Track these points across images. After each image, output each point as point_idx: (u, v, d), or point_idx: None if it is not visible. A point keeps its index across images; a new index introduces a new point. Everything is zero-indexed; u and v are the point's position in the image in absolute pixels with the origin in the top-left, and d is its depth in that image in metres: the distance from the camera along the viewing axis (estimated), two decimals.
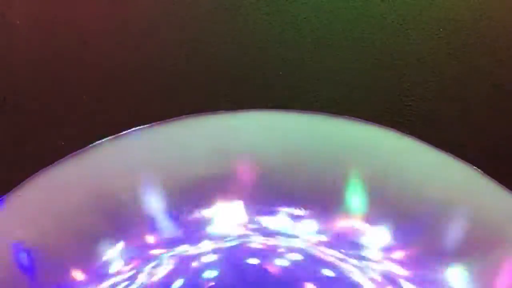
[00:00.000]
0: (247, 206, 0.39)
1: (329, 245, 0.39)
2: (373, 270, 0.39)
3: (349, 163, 0.40)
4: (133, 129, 0.41)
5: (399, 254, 0.38)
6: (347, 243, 0.39)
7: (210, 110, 0.42)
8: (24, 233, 0.36)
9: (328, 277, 0.39)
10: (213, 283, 0.39)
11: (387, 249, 0.38)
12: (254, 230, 0.39)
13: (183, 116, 0.41)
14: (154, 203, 0.38)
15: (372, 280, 0.39)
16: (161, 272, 0.38)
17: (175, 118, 0.41)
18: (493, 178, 0.39)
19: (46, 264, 0.36)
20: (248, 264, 0.39)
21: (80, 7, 0.63)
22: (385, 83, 0.57)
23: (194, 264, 0.39)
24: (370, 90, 0.57)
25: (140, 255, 0.38)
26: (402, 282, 0.38)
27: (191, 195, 0.39)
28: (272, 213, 0.39)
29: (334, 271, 0.39)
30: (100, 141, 0.40)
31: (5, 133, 0.51)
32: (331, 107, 0.53)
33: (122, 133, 0.40)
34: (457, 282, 0.37)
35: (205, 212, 0.39)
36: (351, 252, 0.39)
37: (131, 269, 0.38)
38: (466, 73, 0.58)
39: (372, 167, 0.40)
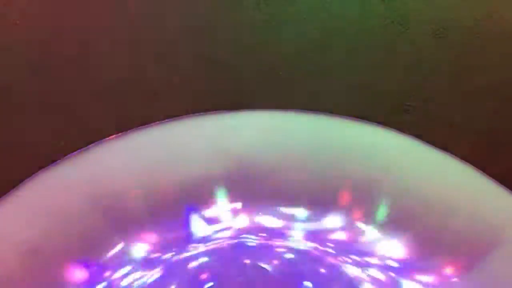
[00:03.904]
0: (246, 205, 0.39)
1: (329, 244, 0.39)
2: (372, 268, 0.39)
3: (349, 163, 0.40)
4: (133, 129, 0.41)
5: (397, 253, 0.38)
6: (347, 243, 0.39)
7: (210, 110, 0.42)
8: (24, 233, 0.36)
9: (326, 276, 0.39)
10: (212, 283, 0.39)
11: (386, 247, 0.38)
12: (253, 229, 0.39)
13: (183, 116, 0.41)
14: (154, 203, 0.38)
15: (371, 278, 0.39)
16: (161, 271, 0.38)
17: (175, 118, 0.41)
18: (493, 178, 0.39)
19: (46, 264, 0.36)
20: (247, 263, 0.39)
21: (80, 7, 0.63)
22: (385, 83, 0.57)
23: (193, 263, 0.39)
24: (370, 90, 0.57)
25: (139, 255, 0.38)
26: (400, 279, 0.38)
27: (191, 194, 0.39)
28: (271, 212, 0.39)
29: (333, 270, 0.39)
30: (100, 141, 0.40)
31: (5, 132, 0.51)
32: (331, 107, 0.53)
33: (122, 133, 0.40)
34: (457, 281, 0.37)
35: (205, 212, 0.39)
36: (350, 250, 0.39)
37: (131, 269, 0.38)
38: (466, 73, 0.58)
39: (372, 167, 0.40)
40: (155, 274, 0.38)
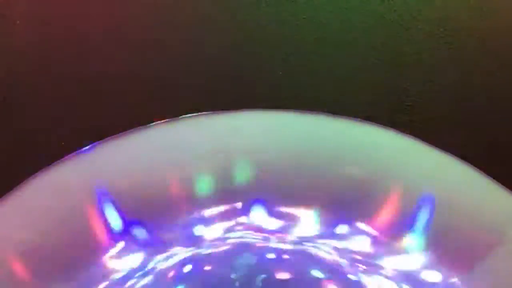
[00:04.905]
0: (246, 206, 0.39)
1: (330, 245, 0.39)
2: (374, 270, 0.39)
3: (349, 163, 0.40)
4: (133, 129, 0.41)
5: (397, 253, 0.38)
6: (347, 243, 0.39)
7: (210, 110, 0.42)
8: (24, 233, 0.36)
9: (327, 277, 0.39)
10: (212, 283, 0.39)
11: (386, 247, 0.38)
12: (253, 229, 0.39)
13: (183, 116, 0.41)
14: (154, 203, 0.38)
15: (374, 280, 0.39)
16: (161, 271, 0.38)
17: (175, 118, 0.41)
18: (493, 178, 0.39)
19: (46, 264, 0.36)
20: (246, 264, 0.39)
21: (80, 7, 0.63)
22: (385, 83, 0.57)
23: (193, 264, 0.39)
24: (370, 90, 0.56)
25: (139, 255, 0.38)
26: (400, 279, 0.38)
27: (191, 194, 0.39)
28: (271, 213, 0.39)
29: (333, 271, 0.39)
30: (100, 141, 0.40)
31: (5, 133, 0.51)
32: (331, 107, 0.53)
33: (122, 133, 0.40)
34: (457, 281, 0.37)
35: (205, 212, 0.39)
36: (350, 250, 0.39)
37: (131, 268, 0.38)
38: (466, 73, 0.58)
39: (372, 167, 0.40)
40: (155, 274, 0.38)
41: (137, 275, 0.38)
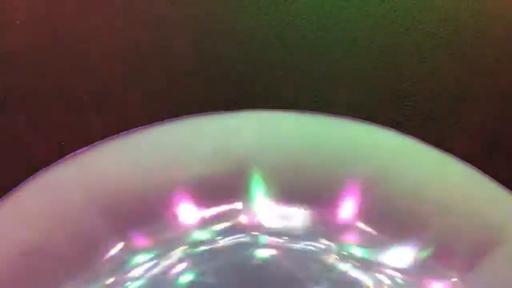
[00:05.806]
0: (247, 206, 0.39)
1: (330, 245, 0.39)
2: (374, 270, 0.39)
3: (349, 163, 0.40)
4: (133, 129, 0.41)
5: (397, 253, 0.38)
6: (347, 243, 0.39)
7: (210, 110, 0.42)
8: (23, 234, 0.36)
9: (328, 277, 0.39)
10: (212, 283, 0.39)
11: (386, 248, 0.38)
12: (253, 230, 0.39)
13: (183, 116, 0.41)
14: (154, 203, 0.38)
15: (375, 280, 0.39)
16: (160, 271, 0.38)
17: (175, 118, 0.41)
18: (493, 178, 0.39)
19: (46, 264, 0.36)
20: (248, 264, 0.39)
21: (80, 7, 0.63)
22: (385, 83, 0.57)
23: (193, 264, 0.39)
24: (370, 90, 0.56)
25: (139, 255, 0.38)
26: (400, 280, 0.38)
27: (191, 194, 0.39)
28: (271, 213, 0.39)
29: (334, 271, 0.39)
30: (100, 141, 0.40)
31: (5, 133, 0.51)
32: (331, 107, 0.53)
33: (122, 133, 0.40)
34: (457, 281, 0.37)
35: (205, 212, 0.39)
36: (350, 251, 0.39)
37: (130, 268, 0.38)
38: (466, 73, 0.58)
39: (372, 167, 0.40)
40: (154, 273, 0.38)
41: (136, 275, 0.38)
